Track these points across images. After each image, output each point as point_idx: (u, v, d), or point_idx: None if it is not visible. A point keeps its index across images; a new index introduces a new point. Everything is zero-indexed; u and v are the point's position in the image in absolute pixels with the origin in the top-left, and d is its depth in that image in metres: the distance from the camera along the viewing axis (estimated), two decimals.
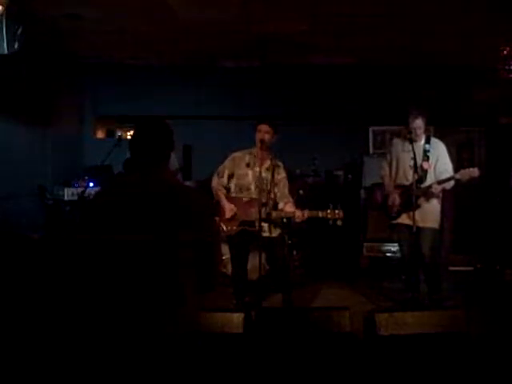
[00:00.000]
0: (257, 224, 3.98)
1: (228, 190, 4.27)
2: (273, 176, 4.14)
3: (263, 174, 4.15)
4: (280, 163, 4.29)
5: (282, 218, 4.38)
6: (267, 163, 4.21)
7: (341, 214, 3.93)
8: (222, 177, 4.29)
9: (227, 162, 4.31)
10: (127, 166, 2.04)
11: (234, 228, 4.11)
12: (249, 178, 4.22)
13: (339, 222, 3.95)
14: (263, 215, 4.01)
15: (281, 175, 4.25)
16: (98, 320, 1.88)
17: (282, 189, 4.24)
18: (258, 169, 4.12)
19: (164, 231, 1.85)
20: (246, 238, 4.16)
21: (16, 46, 3.91)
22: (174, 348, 1.83)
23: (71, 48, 5.82)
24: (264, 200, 4.07)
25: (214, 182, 4.30)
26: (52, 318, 2.88)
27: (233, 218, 4.11)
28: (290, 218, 5.32)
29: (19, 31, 3.93)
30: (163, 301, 1.84)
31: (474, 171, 4.04)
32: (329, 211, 3.94)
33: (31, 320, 3.09)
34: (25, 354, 3.03)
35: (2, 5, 3.74)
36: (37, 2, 4.31)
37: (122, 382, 1.80)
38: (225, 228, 4.15)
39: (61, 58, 6.00)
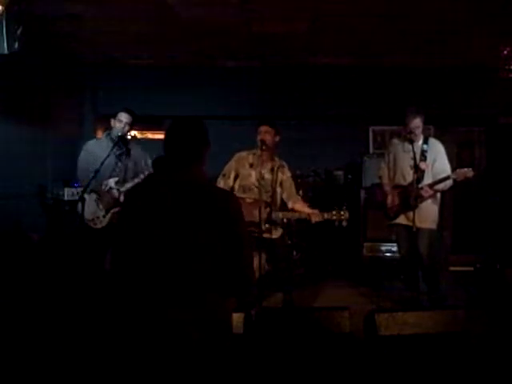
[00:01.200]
0: (262, 226, 3.97)
1: (232, 190, 4.24)
2: (276, 177, 4.13)
3: (266, 176, 4.15)
4: (284, 163, 4.28)
5: (283, 219, 4.38)
6: (270, 164, 4.20)
7: (346, 214, 3.93)
8: (229, 178, 4.26)
9: (233, 162, 4.29)
10: (157, 165, 2.00)
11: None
12: (252, 179, 4.20)
13: (344, 223, 3.95)
14: (266, 216, 4.01)
15: (286, 175, 4.25)
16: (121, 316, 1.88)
17: (289, 189, 4.24)
18: (260, 169, 4.12)
19: (193, 233, 1.84)
20: None
21: (16, 46, 3.91)
22: (197, 350, 1.82)
23: (71, 48, 5.81)
24: (268, 201, 4.08)
25: (221, 184, 4.25)
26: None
27: None
28: (290, 219, 5.33)
29: (19, 31, 3.93)
30: (188, 301, 1.84)
31: (469, 171, 4.07)
32: (334, 212, 3.94)
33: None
34: (29, 350, 3.04)
35: (2, 5, 3.74)
36: (37, 2, 4.30)
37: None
38: None
39: (60, 57, 5.99)
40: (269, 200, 4.11)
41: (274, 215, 4.08)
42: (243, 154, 4.31)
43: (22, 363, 3.01)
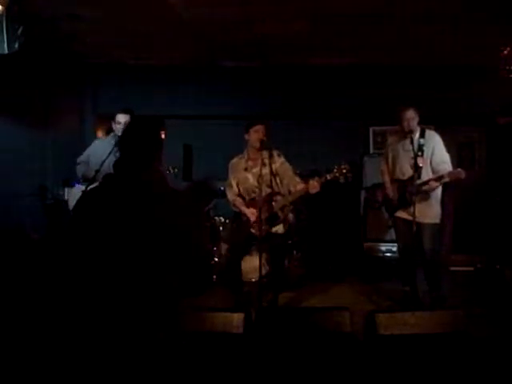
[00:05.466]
0: (279, 214, 4.04)
1: (242, 196, 4.32)
2: (270, 168, 4.07)
3: (263, 172, 4.12)
4: (273, 152, 4.15)
5: (283, 209, 4.31)
6: (260, 160, 4.14)
7: (347, 167, 3.89)
8: (232, 186, 4.34)
9: (230, 172, 4.37)
10: (116, 167, 2.01)
11: (263, 228, 4.05)
12: (250, 181, 4.25)
13: (349, 175, 3.90)
14: (267, 213, 4.03)
15: (278, 163, 4.17)
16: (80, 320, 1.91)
17: (285, 174, 4.16)
18: (255, 169, 4.14)
19: (146, 236, 1.86)
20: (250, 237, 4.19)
21: (16, 46, 3.91)
22: (153, 347, 1.85)
23: (71, 48, 5.81)
24: (270, 191, 4.07)
25: (229, 194, 4.36)
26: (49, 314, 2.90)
27: (258, 219, 4.07)
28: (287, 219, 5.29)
29: (19, 31, 3.93)
30: (143, 303, 1.86)
31: (461, 173, 4.07)
32: (335, 170, 3.92)
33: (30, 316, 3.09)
34: (23, 351, 3.03)
35: (3, 5, 3.74)
36: (37, 2, 4.31)
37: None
38: (255, 232, 4.12)
39: (61, 57, 5.99)
40: (271, 191, 4.09)
41: (275, 206, 4.06)
42: (234, 160, 4.38)
43: (22, 362, 3.01)
